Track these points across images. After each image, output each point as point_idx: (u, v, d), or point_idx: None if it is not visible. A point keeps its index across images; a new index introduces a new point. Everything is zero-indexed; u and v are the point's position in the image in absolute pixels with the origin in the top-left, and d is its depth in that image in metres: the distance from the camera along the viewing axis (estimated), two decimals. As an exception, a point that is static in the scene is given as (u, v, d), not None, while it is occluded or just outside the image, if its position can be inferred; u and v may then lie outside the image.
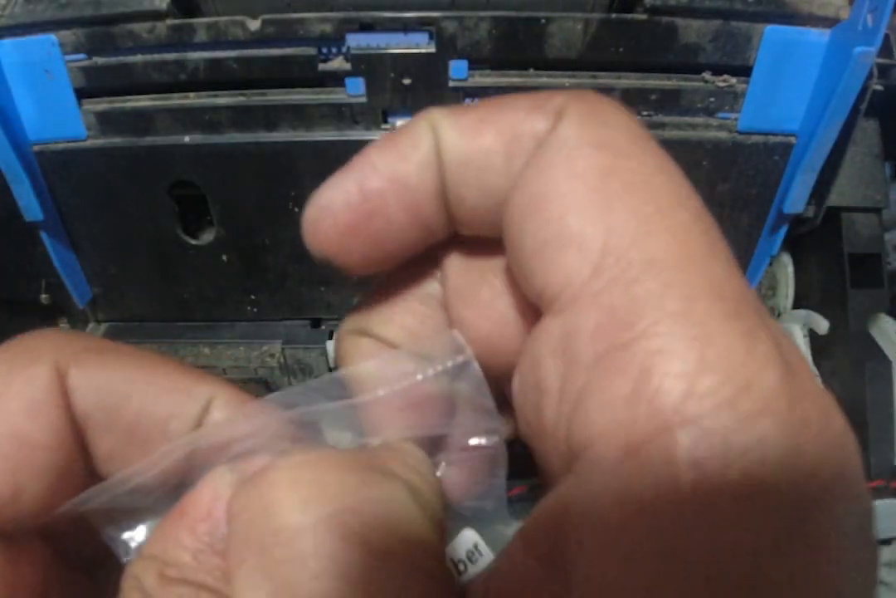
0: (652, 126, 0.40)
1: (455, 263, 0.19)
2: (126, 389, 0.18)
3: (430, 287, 0.20)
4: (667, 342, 0.12)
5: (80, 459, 0.18)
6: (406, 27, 0.36)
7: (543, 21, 0.36)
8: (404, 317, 0.20)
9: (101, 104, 0.39)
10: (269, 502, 0.14)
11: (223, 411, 0.19)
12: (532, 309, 0.16)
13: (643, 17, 0.36)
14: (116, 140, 0.40)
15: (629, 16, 0.36)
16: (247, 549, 0.14)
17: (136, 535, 0.19)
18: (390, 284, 0.20)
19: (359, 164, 0.18)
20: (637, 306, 0.13)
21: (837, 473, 0.12)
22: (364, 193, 0.17)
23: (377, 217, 0.17)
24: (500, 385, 0.19)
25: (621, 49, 0.37)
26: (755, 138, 0.40)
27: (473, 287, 0.18)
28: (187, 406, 0.19)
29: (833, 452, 0.12)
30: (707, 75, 0.39)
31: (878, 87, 0.38)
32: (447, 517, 0.17)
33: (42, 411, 0.17)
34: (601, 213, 0.14)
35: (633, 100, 0.39)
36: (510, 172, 0.16)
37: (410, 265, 0.19)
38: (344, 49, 0.37)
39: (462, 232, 0.18)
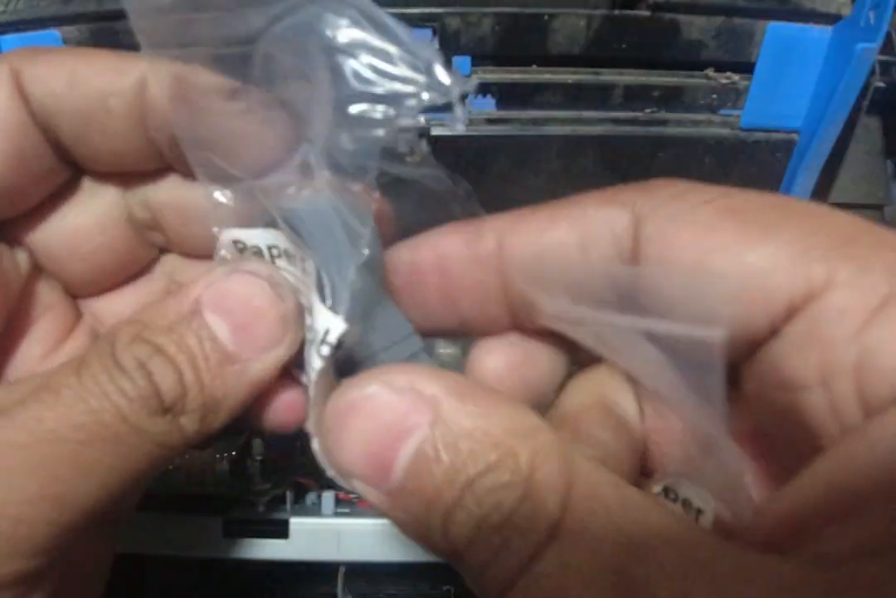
0: (654, 123, 0.40)
1: None
2: (68, 77, 0.21)
3: None
4: None
5: (42, 140, 0.22)
6: (409, 23, 0.36)
7: (546, 17, 0.36)
8: None
9: (104, 100, 0.39)
10: None
11: (156, 88, 0.21)
12: None
13: (646, 13, 0.36)
14: (119, 136, 0.40)
15: (632, 12, 0.36)
16: None
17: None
18: None
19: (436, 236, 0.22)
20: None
21: None
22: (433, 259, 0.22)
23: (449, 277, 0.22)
24: None
25: (624, 45, 0.37)
26: (758, 135, 0.40)
27: None
28: (121, 84, 0.22)
29: None
30: (710, 72, 0.39)
31: (881, 84, 0.38)
32: None
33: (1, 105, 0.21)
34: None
35: (635, 96, 0.39)
36: (588, 261, 0.20)
37: None
38: (347, 45, 0.37)
39: None
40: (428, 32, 0.36)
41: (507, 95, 0.39)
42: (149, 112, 0.22)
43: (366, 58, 0.19)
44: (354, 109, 0.19)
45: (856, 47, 0.34)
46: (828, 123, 0.37)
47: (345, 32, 0.19)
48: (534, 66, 0.38)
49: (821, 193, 0.42)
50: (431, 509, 0.16)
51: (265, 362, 0.20)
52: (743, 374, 0.19)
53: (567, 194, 0.45)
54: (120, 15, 0.36)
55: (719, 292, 0.17)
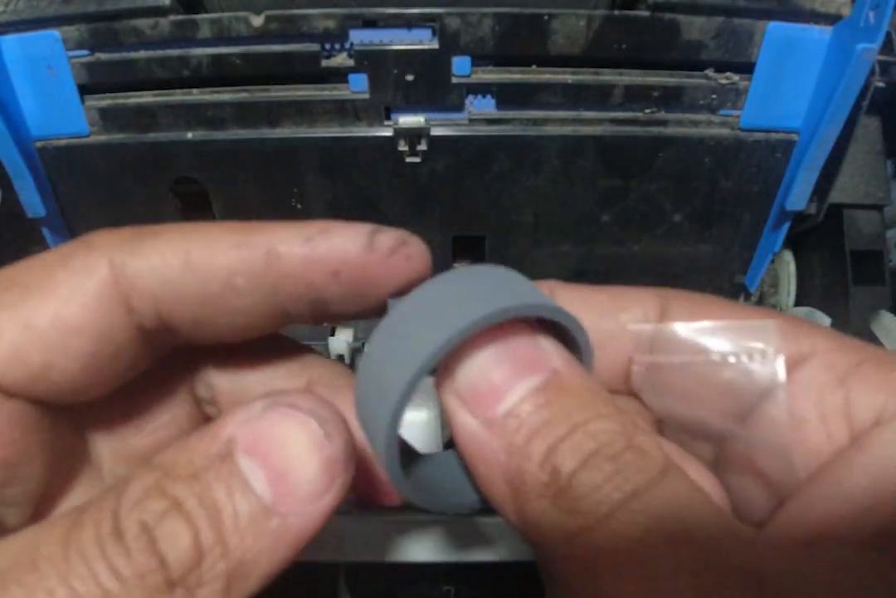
0: (654, 123, 0.40)
1: None
2: (182, 263, 0.19)
3: None
4: None
5: (132, 342, 0.19)
6: (409, 23, 0.36)
7: (546, 17, 0.36)
8: None
9: (104, 100, 0.39)
10: None
11: (289, 254, 0.19)
12: None
13: (646, 13, 0.36)
14: (119, 136, 0.40)
15: (632, 12, 0.36)
16: None
17: None
18: None
19: None
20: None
21: None
22: None
23: None
24: None
25: (624, 46, 0.37)
26: (757, 135, 0.40)
27: None
28: (249, 260, 0.19)
29: None
30: (709, 72, 0.39)
31: (880, 85, 0.38)
32: None
33: (87, 301, 0.18)
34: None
35: (635, 96, 0.39)
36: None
37: None
38: (347, 45, 0.37)
39: None
40: (428, 32, 0.36)
41: (507, 95, 0.39)
42: (282, 281, 0.19)
43: None
44: None
45: (856, 47, 0.34)
46: (828, 123, 0.37)
47: None
48: (534, 67, 0.38)
49: (820, 193, 0.42)
50: (536, 438, 0.17)
51: (309, 516, 0.17)
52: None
53: (567, 194, 0.45)
54: (120, 15, 0.37)
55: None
